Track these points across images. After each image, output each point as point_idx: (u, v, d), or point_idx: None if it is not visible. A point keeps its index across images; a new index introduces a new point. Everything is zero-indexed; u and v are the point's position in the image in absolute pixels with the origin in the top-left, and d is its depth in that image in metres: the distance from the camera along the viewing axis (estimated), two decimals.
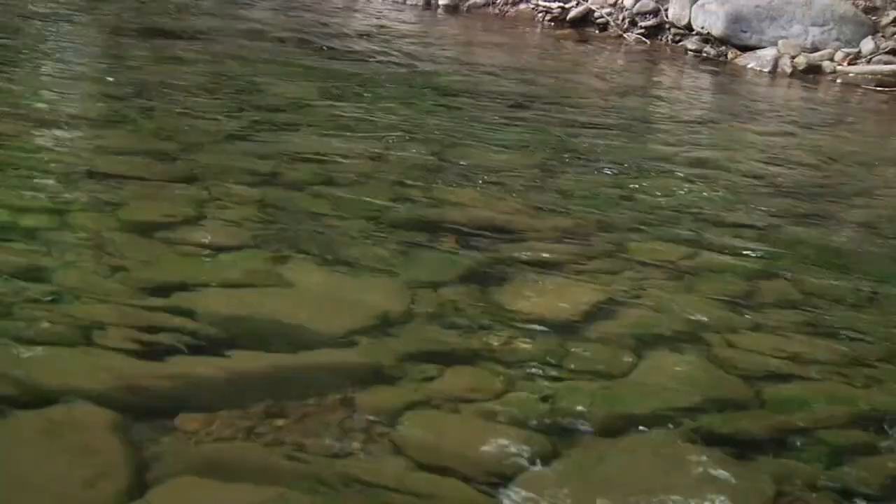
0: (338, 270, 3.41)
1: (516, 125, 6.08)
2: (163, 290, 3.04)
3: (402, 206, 4.17)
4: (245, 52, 7.50)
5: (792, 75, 9.74)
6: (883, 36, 10.06)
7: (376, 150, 4.97)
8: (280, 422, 2.41)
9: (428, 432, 2.48)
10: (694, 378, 2.93)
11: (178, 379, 2.57)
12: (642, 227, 4.28)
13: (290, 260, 3.43)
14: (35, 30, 7.50)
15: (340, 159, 4.76)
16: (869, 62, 9.80)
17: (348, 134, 5.28)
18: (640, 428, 2.62)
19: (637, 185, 5.00)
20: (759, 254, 4.12)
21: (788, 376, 3.01)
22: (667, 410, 2.71)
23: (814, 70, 9.78)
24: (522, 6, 12.14)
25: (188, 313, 2.91)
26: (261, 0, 10.84)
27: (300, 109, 5.76)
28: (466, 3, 12.33)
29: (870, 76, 9.51)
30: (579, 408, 2.66)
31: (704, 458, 2.50)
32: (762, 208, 4.82)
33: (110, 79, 6.14)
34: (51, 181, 3.92)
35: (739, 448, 2.57)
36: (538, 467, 2.38)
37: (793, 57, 9.91)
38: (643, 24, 11.26)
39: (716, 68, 9.96)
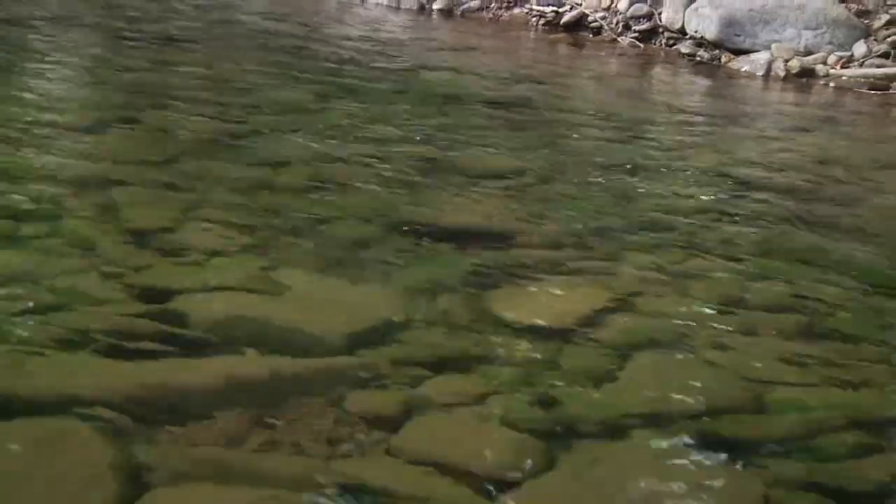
0: (333, 275, 3.41)
1: (511, 130, 6.09)
2: (157, 295, 3.04)
3: (398, 211, 4.17)
4: (239, 58, 7.50)
5: (785, 79, 9.76)
6: (875, 39, 10.09)
7: (371, 155, 4.98)
8: (275, 426, 2.42)
9: (423, 436, 2.48)
10: (689, 382, 2.94)
11: (172, 384, 2.57)
12: (637, 231, 4.29)
13: (285, 265, 3.44)
14: (28, 36, 7.50)
15: (335, 164, 4.77)
16: (862, 66, 9.82)
17: (343, 139, 5.28)
18: (635, 432, 2.62)
19: (632, 190, 5.01)
20: (753, 257, 4.12)
21: (783, 380, 3.01)
22: (661, 414, 2.72)
23: (807, 74, 9.80)
24: (516, 10, 12.15)
25: (182, 319, 2.91)
26: (254, 5, 10.85)
27: (295, 114, 5.76)
28: (460, 8, 12.35)
29: (862, 80, 9.53)
30: (575, 412, 2.67)
31: (699, 461, 2.51)
32: (756, 212, 4.83)
33: (104, 85, 6.14)
34: (44, 187, 3.92)
35: (734, 451, 2.57)
36: (533, 471, 2.38)
37: (786, 60, 9.92)
38: (637, 28, 11.28)
39: (709, 72, 9.98)
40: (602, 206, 4.63)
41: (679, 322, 3.35)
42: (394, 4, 12.27)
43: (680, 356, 3.10)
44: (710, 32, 10.44)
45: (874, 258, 4.31)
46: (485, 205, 4.40)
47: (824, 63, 9.92)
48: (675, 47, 10.85)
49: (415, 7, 12.24)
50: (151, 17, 9.14)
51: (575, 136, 6.17)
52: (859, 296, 3.80)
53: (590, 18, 11.58)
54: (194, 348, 2.76)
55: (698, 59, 10.48)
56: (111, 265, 3.23)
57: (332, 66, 7.63)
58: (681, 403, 2.79)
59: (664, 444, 2.59)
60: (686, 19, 10.77)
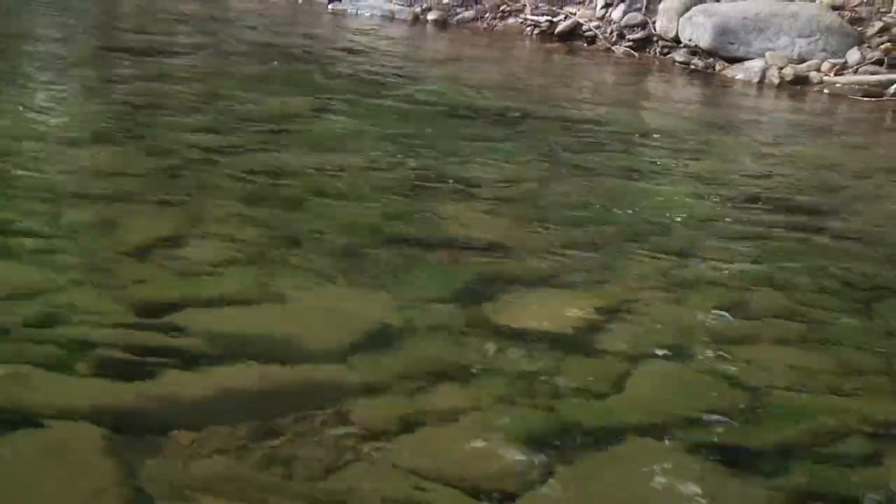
0: (331, 287, 3.41)
1: (507, 139, 6.09)
2: (156, 308, 3.04)
3: (395, 222, 4.17)
4: (234, 70, 7.52)
5: (779, 86, 9.78)
6: (869, 46, 10.11)
7: (368, 166, 4.98)
8: (273, 438, 2.41)
9: (423, 447, 2.48)
10: (688, 390, 2.94)
11: (172, 397, 2.57)
12: (634, 239, 4.29)
13: (283, 277, 3.44)
14: (22, 51, 7.50)
15: (332, 175, 4.77)
16: (855, 73, 9.84)
17: (340, 150, 5.29)
18: (635, 441, 2.62)
19: (628, 198, 5.01)
20: (752, 264, 4.13)
21: (783, 387, 3.01)
22: (661, 423, 2.72)
23: (801, 81, 9.82)
24: (511, 20, 12.18)
25: (182, 331, 2.91)
26: (248, 18, 10.87)
27: (291, 125, 5.77)
28: (455, 18, 12.37)
29: (856, 86, 9.56)
30: (574, 422, 2.67)
31: (699, 470, 2.51)
32: (753, 219, 4.84)
33: (100, 98, 6.14)
34: (42, 201, 3.92)
35: (735, 460, 2.57)
36: (533, 481, 2.38)
37: (780, 68, 9.95)
38: (631, 36, 11.30)
39: (704, 80, 10.00)
40: (599, 214, 4.64)
41: (678, 330, 3.35)
42: (388, 15, 12.29)
43: (679, 365, 3.10)
44: (704, 41, 10.47)
45: (872, 264, 4.31)
46: (482, 214, 4.41)
47: (818, 70, 9.94)
48: (669, 56, 10.87)
49: (409, 18, 12.26)
50: (147, 31, 9.15)
51: (571, 144, 6.17)
52: (859, 302, 3.80)
53: (584, 28, 11.61)
54: (193, 361, 2.76)
55: (693, 67, 10.50)
56: (110, 279, 3.23)
57: (328, 77, 7.64)
58: (681, 412, 2.79)
59: (664, 453, 2.58)
60: (680, 28, 10.80)
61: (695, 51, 10.63)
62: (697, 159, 6.16)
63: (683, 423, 2.73)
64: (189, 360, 2.76)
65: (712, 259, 4.15)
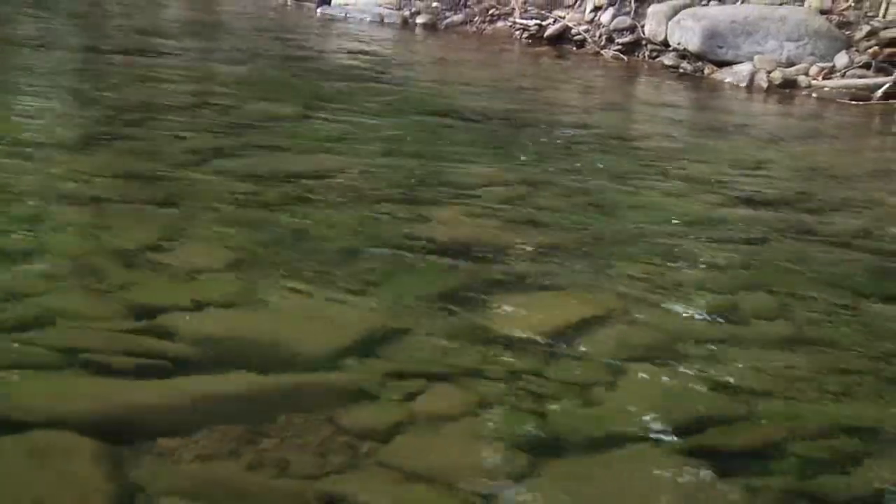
0: (320, 290, 3.40)
1: (496, 143, 6.10)
2: (145, 312, 3.03)
3: (385, 225, 4.17)
4: (222, 72, 7.51)
5: (768, 90, 9.81)
6: (857, 50, 10.16)
7: (357, 169, 4.98)
8: (263, 442, 2.40)
9: (412, 450, 2.47)
10: (677, 393, 2.94)
11: (160, 401, 2.56)
12: (624, 242, 4.30)
13: (272, 280, 3.43)
14: (9, 54, 7.48)
15: (321, 178, 4.77)
16: (843, 76, 9.88)
17: (328, 153, 5.29)
18: (623, 445, 2.62)
19: (618, 201, 5.02)
20: (740, 267, 4.14)
21: (771, 390, 3.01)
22: (650, 426, 2.72)
23: (789, 84, 9.86)
24: (500, 24, 12.20)
25: (170, 335, 2.90)
26: (239, 22, 10.85)
27: (279, 129, 5.77)
28: (444, 22, 12.39)
29: (844, 90, 9.60)
30: (563, 425, 2.66)
31: (687, 473, 2.51)
32: (742, 221, 4.85)
33: (87, 101, 6.13)
34: (29, 205, 3.91)
35: (723, 462, 2.57)
36: (521, 485, 2.37)
37: (769, 72, 9.98)
38: (620, 40, 11.34)
39: (693, 84, 10.03)
40: (589, 217, 4.64)
41: (667, 333, 3.35)
42: (377, 19, 12.30)
43: (669, 367, 3.10)
44: (693, 44, 10.50)
45: (860, 266, 4.33)
46: (471, 218, 4.41)
47: (806, 74, 9.98)
48: (658, 59, 10.91)
49: (398, 22, 12.27)
50: (134, 34, 9.13)
51: (559, 148, 6.18)
52: (847, 305, 3.81)
53: (573, 31, 11.63)
54: (182, 365, 2.75)
55: (681, 70, 10.54)
56: (98, 283, 3.22)
57: (317, 80, 7.64)
58: (669, 415, 2.79)
59: (652, 456, 2.58)
60: (669, 32, 10.83)
61: (683, 54, 10.66)
62: (686, 163, 6.17)
63: (671, 425, 2.72)
64: (177, 365, 2.74)
65: (701, 262, 4.16)
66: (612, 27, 11.41)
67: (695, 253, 4.26)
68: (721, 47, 10.40)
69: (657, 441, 2.65)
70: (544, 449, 2.54)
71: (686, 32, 10.57)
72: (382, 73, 8.43)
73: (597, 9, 11.68)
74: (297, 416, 2.53)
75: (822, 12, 10.63)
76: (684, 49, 10.60)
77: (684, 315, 3.53)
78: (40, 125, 5.32)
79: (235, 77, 7.35)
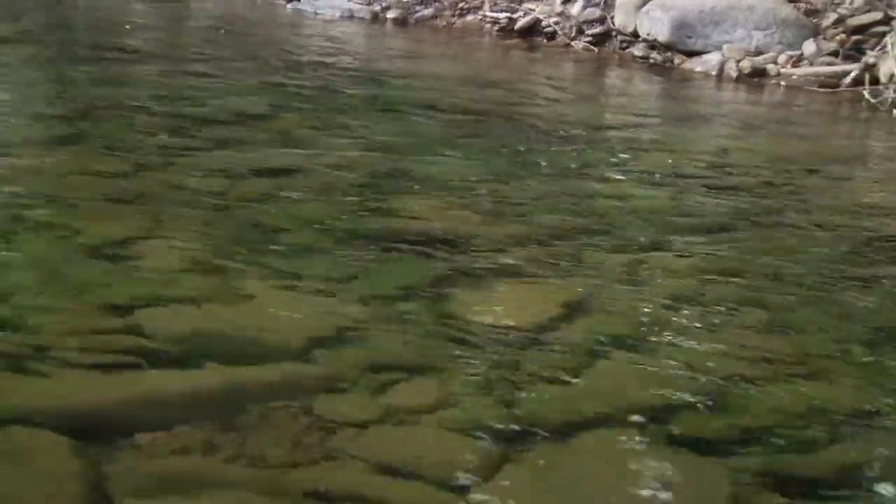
0: (293, 284, 3.41)
1: (467, 136, 6.10)
2: (118, 309, 3.03)
3: (356, 219, 4.17)
4: (191, 70, 7.47)
5: (738, 79, 9.86)
6: (825, 38, 10.21)
7: (328, 164, 4.98)
8: (239, 435, 2.41)
9: (386, 441, 2.49)
10: (650, 381, 2.96)
11: (135, 396, 2.56)
12: (595, 232, 4.32)
13: (245, 275, 3.43)
14: None
15: (293, 173, 4.76)
16: (812, 64, 9.95)
17: (300, 148, 5.28)
18: (597, 432, 2.64)
19: (588, 191, 5.04)
20: (711, 255, 4.17)
21: (743, 374, 3.04)
22: (624, 413, 2.74)
23: (759, 73, 9.91)
24: (470, 18, 12.19)
25: (144, 331, 2.90)
26: (207, 19, 10.80)
27: (251, 125, 5.75)
28: (414, 16, 12.37)
29: (813, 78, 9.65)
30: (537, 414, 2.68)
31: (662, 459, 2.53)
32: (712, 210, 4.88)
33: (56, 101, 6.09)
34: (1, 204, 3.89)
35: (697, 447, 2.60)
36: (496, 473, 2.39)
37: (738, 61, 10.03)
38: (590, 32, 11.35)
39: (663, 74, 10.06)
40: (560, 208, 4.66)
41: (639, 321, 3.38)
42: (347, 15, 12.27)
43: (641, 355, 3.13)
44: (663, 35, 10.53)
45: (829, 252, 4.37)
46: (443, 210, 4.41)
47: (775, 63, 10.03)
48: (628, 50, 10.93)
49: (368, 17, 12.25)
50: (104, 32, 9.08)
51: (531, 140, 6.19)
52: (817, 290, 3.85)
53: (543, 24, 11.64)
54: (156, 360, 2.75)
55: (652, 61, 10.57)
56: (69, 280, 3.21)
57: (287, 75, 7.62)
58: (643, 402, 2.81)
59: (626, 443, 2.60)
60: (638, 22, 10.86)
61: (653, 45, 10.69)
62: (656, 152, 6.20)
63: (646, 412, 2.75)
64: (151, 360, 2.75)
65: (672, 251, 4.18)
66: (581, 19, 11.42)
67: (665, 241, 4.28)
68: (690, 37, 10.44)
69: (631, 427, 2.67)
70: (519, 436, 2.56)
71: (655, 23, 10.60)
72: (353, 68, 8.42)
73: (566, 1, 11.70)
74: (273, 410, 2.54)
75: (790, 1, 10.69)
76: (654, 40, 10.62)
77: (655, 303, 3.56)
78: (9, 123, 5.29)
79: (204, 73, 7.31)
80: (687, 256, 4.13)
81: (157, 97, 6.27)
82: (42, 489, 2.13)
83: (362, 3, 12.43)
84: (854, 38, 9.96)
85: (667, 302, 3.58)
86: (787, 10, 10.49)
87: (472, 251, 3.93)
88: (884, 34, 9.75)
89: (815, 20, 10.47)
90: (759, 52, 10.16)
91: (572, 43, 11.28)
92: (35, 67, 7.20)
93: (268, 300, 3.27)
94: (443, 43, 11.10)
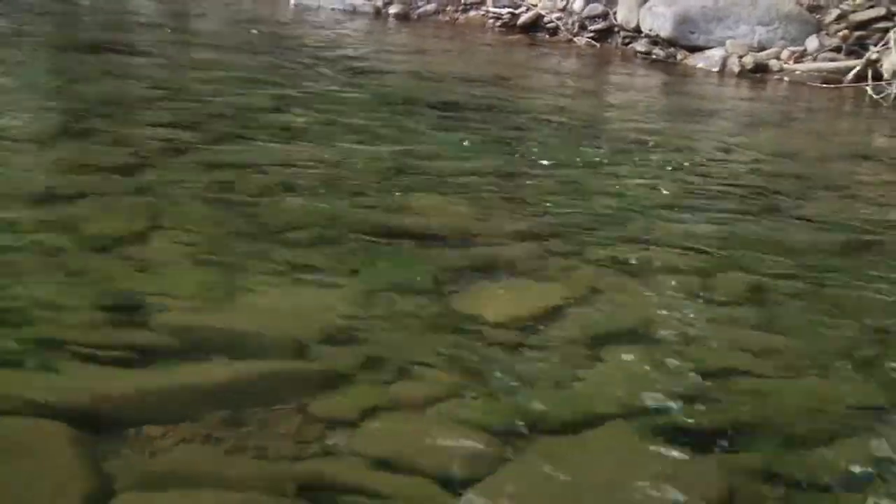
0: (295, 279, 3.41)
1: (470, 131, 6.11)
2: (120, 304, 3.03)
3: (359, 214, 4.17)
4: (196, 64, 7.48)
5: (740, 74, 9.86)
6: (827, 34, 10.22)
7: (331, 159, 4.98)
8: (240, 430, 2.41)
9: (387, 436, 2.49)
10: (651, 375, 2.96)
11: (137, 391, 2.56)
12: (598, 226, 4.32)
13: (248, 270, 3.43)
14: None
15: (295, 168, 4.76)
16: (814, 60, 9.95)
17: (302, 143, 5.28)
18: (598, 426, 2.64)
19: (592, 186, 5.05)
20: (712, 250, 4.17)
21: (744, 370, 3.04)
22: (625, 408, 2.73)
23: (761, 69, 9.91)
24: (472, 13, 12.20)
25: (145, 327, 2.90)
26: (210, 13, 10.80)
27: (254, 119, 5.75)
28: (417, 11, 12.38)
29: (815, 73, 9.66)
30: (537, 409, 2.68)
31: (663, 454, 2.53)
32: (714, 205, 4.88)
33: (61, 95, 6.09)
34: (3, 199, 3.89)
35: (697, 443, 2.60)
36: (498, 468, 2.39)
37: (740, 56, 10.03)
38: (593, 27, 11.36)
39: (665, 70, 10.06)
40: (562, 203, 4.66)
41: (641, 316, 3.38)
42: (349, 9, 12.27)
43: (643, 350, 3.13)
44: (665, 30, 10.54)
45: (831, 248, 4.37)
46: (445, 205, 4.41)
47: (778, 58, 10.04)
48: (630, 46, 10.94)
49: (370, 12, 12.25)
50: (107, 28, 9.08)
51: (533, 135, 6.20)
52: (818, 286, 3.85)
53: (546, 19, 11.65)
54: (158, 355, 2.75)
55: (654, 57, 10.57)
56: (73, 275, 3.22)
57: (290, 71, 7.63)
58: (643, 397, 2.81)
59: (627, 438, 2.60)
60: (641, 18, 10.86)
61: (656, 41, 10.69)
62: (659, 147, 6.20)
63: (647, 407, 2.75)
64: (154, 355, 2.75)
65: (674, 245, 4.18)
66: (584, 14, 11.43)
67: (668, 236, 4.28)
68: (693, 33, 10.44)
69: (632, 422, 2.67)
70: (519, 432, 2.56)
71: (658, 18, 10.60)
72: (356, 63, 8.42)
73: None
74: (273, 405, 2.54)
75: None
76: (656, 35, 10.63)
77: (659, 297, 3.56)
78: (12, 119, 5.29)
79: (207, 69, 7.31)
80: (690, 250, 4.13)
81: (161, 92, 6.28)
82: (45, 482, 2.14)
83: None
84: (857, 33, 9.97)
85: (670, 296, 3.58)
86: (790, 6, 10.49)
87: (474, 246, 3.93)
88: (886, 30, 9.76)
89: (817, 16, 10.48)
90: (761, 48, 10.17)
91: (575, 39, 11.29)
92: (38, 63, 7.20)
93: (270, 295, 3.27)
94: (445, 38, 11.10)
